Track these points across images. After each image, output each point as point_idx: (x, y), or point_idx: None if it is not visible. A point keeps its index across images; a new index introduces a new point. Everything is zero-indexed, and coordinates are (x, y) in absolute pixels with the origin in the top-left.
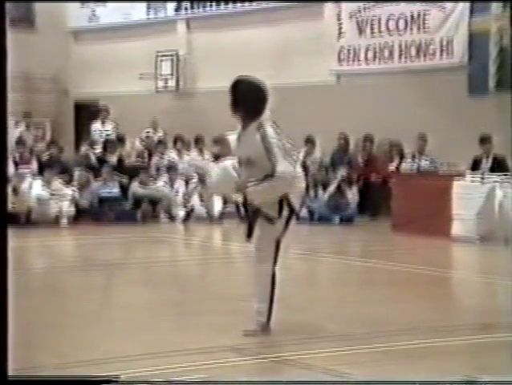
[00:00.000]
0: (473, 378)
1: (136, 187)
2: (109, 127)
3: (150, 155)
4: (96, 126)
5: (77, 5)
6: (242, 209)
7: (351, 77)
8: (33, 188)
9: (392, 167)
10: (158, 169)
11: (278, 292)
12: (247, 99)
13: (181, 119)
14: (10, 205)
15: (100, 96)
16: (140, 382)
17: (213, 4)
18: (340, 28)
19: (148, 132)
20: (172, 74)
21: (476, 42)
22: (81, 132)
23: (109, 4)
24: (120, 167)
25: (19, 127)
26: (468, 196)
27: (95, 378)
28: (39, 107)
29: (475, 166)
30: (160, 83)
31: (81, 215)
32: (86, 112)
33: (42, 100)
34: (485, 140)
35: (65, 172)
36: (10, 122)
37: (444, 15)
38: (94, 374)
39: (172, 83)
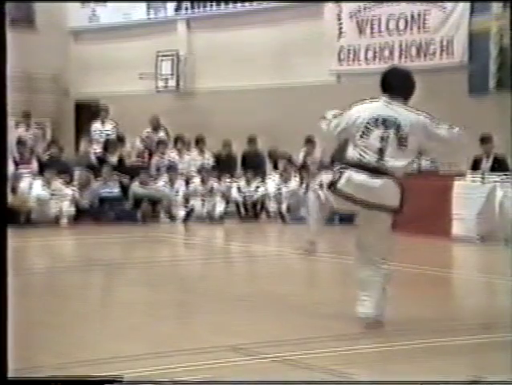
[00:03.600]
0: (476, 378)
1: (136, 187)
2: (109, 126)
3: (150, 155)
4: (96, 126)
5: (77, 5)
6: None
7: (351, 77)
8: (33, 188)
9: None
10: (158, 169)
11: (277, 291)
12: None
13: (182, 119)
14: (9, 205)
15: (100, 96)
16: (144, 382)
17: (213, 4)
18: (340, 28)
19: (148, 132)
20: (172, 74)
21: (476, 42)
22: (81, 132)
23: (109, 4)
24: (121, 167)
25: (20, 127)
26: (468, 196)
27: (98, 379)
28: (39, 107)
29: (475, 166)
30: (161, 83)
31: (81, 215)
32: (86, 112)
33: (43, 100)
34: (485, 140)
35: (65, 172)
36: (11, 122)
37: (445, 15)
38: (95, 375)
39: (172, 83)
